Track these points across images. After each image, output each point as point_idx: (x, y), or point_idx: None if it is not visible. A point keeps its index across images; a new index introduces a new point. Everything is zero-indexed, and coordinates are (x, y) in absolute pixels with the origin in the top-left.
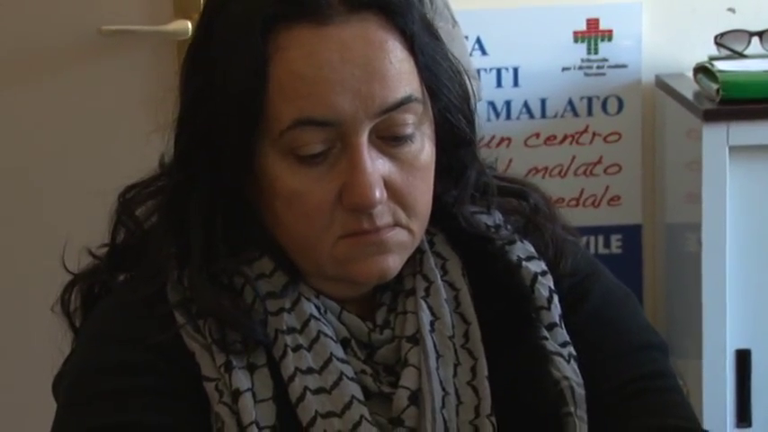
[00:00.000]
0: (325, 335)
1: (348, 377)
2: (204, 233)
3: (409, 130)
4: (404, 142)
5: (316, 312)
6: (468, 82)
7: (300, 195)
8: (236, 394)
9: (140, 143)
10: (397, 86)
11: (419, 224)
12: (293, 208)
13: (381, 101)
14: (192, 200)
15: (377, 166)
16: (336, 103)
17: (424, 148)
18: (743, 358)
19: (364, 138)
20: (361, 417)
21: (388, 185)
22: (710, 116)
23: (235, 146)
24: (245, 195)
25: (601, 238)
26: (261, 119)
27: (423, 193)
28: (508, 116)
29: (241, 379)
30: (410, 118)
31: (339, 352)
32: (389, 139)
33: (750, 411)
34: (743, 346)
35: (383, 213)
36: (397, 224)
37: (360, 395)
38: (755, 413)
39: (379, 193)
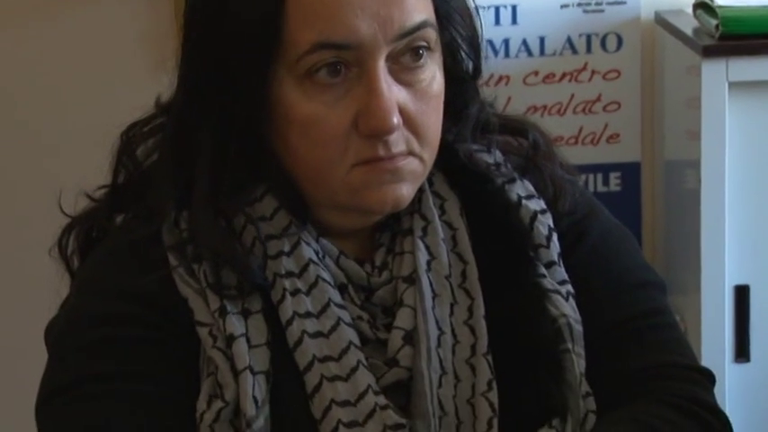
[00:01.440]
0: (324, 280)
1: (345, 322)
2: (211, 167)
3: (423, 57)
4: (418, 69)
5: (314, 257)
6: (478, 19)
7: (316, 122)
8: (230, 339)
9: (138, 83)
10: (414, 11)
11: (430, 153)
12: (308, 135)
13: (399, 24)
14: (201, 132)
15: (393, 92)
16: (356, 26)
17: (435, 77)
18: (741, 294)
19: (382, 62)
20: (358, 362)
21: (403, 113)
22: (710, 52)
23: (250, 73)
24: (257, 126)
25: (600, 176)
26: (278, 44)
27: (435, 122)
28: (506, 54)
29: (235, 324)
30: (425, 44)
31: (337, 297)
32: (404, 66)
33: (748, 347)
34: (741, 282)
35: (398, 141)
36: (410, 153)
37: (356, 341)
38: (754, 348)
39: (396, 118)
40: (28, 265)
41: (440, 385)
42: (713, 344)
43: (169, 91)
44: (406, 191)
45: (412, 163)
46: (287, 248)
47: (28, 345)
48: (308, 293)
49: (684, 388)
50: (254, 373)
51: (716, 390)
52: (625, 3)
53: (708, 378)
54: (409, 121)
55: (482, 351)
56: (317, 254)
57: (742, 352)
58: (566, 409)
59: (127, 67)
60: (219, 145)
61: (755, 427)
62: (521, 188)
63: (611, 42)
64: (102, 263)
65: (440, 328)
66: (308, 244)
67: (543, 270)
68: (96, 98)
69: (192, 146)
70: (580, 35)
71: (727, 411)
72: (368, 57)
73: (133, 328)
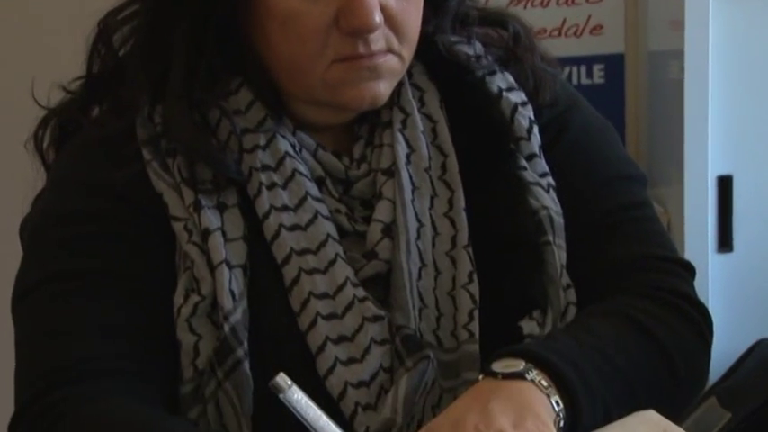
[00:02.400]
0: (301, 173)
1: (323, 215)
2: (186, 59)
3: None
4: None
5: (291, 150)
6: None
7: (296, 17)
8: (206, 233)
9: None
10: None
11: (409, 51)
12: (288, 30)
13: None
14: (177, 23)
15: None
16: None
17: None
18: (725, 184)
19: None
20: (336, 255)
21: (384, 11)
22: None
23: None
24: (235, 18)
25: (583, 69)
26: None
27: (415, 19)
28: None
29: (210, 218)
30: None
31: (314, 191)
32: None
33: (731, 237)
34: (725, 172)
35: (378, 38)
36: (390, 50)
37: (335, 234)
38: (737, 238)
39: (378, 17)
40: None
41: (419, 277)
42: (696, 234)
43: None
44: (384, 88)
45: (391, 60)
46: (262, 142)
47: None
48: (284, 187)
49: (665, 280)
50: (230, 267)
51: (699, 280)
52: None
53: (688, 270)
54: (390, 19)
55: (462, 243)
56: (293, 147)
57: (725, 242)
58: (546, 301)
59: None
60: (195, 37)
61: (738, 315)
62: (501, 80)
63: None
64: (75, 158)
65: (419, 221)
66: (284, 137)
67: (524, 162)
68: None
69: (167, 37)
70: None
71: (710, 302)
72: None
73: (106, 224)
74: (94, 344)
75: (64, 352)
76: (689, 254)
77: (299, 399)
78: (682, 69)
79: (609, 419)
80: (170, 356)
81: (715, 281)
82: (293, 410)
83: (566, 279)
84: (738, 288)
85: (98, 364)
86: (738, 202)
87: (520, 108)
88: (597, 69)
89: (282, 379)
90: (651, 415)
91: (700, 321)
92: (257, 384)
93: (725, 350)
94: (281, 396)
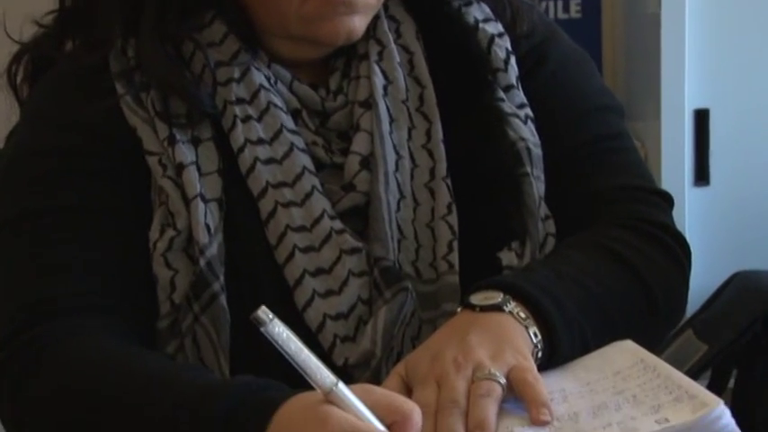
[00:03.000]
0: (276, 105)
1: (299, 148)
2: None
3: None
4: None
5: (266, 83)
6: None
7: None
8: (180, 167)
9: None
10: None
11: None
12: None
13: None
14: None
15: None
16: None
17: None
18: (701, 118)
19: None
20: (313, 187)
21: None
22: None
23: None
24: None
25: (560, 3)
26: None
27: None
28: None
29: (185, 152)
30: None
31: (290, 123)
32: None
33: (708, 170)
34: (701, 105)
35: None
36: None
37: (311, 166)
38: (713, 172)
39: None
40: None
41: (398, 209)
42: (673, 168)
43: None
44: (359, 23)
45: None
46: (237, 75)
47: None
48: (259, 120)
49: (643, 210)
50: (205, 201)
51: (676, 213)
52: None
53: (666, 200)
54: None
55: (441, 175)
56: (268, 80)
57: (702, 176)
58: (525, 233)
59: None
60: None
61: (714, 248)
62: (478, 11)
63: None
64: (48, 93)
65: (397, 153)
66: (258, 70)
67: (501, 94)
68: None
69: None
70: None
71: (687, 235)
72: None
73: (80, 160)
74: (72, 280)
75: (42, 287)
76: (665, 187)
77: (280, 332)
78: (658, 3)
79: (587, 350)
80: (147, 292)
81: (692, 214)
82: (275, 344)
83: (544, 210)
84: (715, 221)
85: (77, 301)
86: (715, 136)
87: (497, 39)
88: (574, 4)
89: (264, 312)
90: (629, 345)
91: (678, 251)
92: (234, 318)
93: (702, 284)
94: (262, 329)
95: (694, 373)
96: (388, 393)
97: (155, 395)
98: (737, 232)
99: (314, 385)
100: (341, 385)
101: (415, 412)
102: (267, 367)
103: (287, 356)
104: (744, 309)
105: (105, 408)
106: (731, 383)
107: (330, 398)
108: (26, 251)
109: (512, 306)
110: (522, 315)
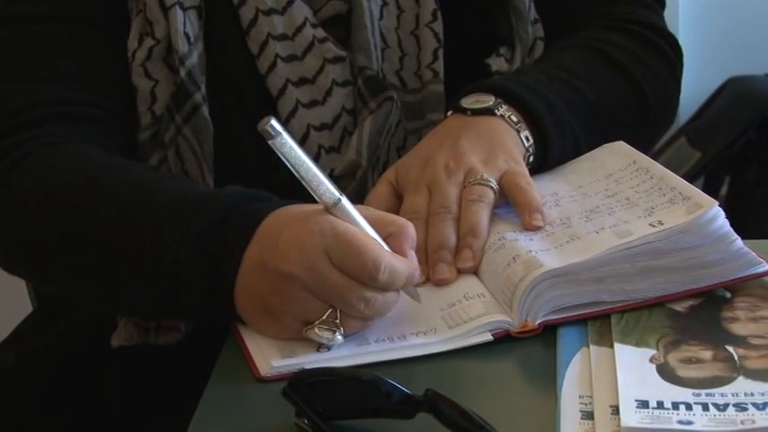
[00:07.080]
0: None
1: None
2: None
3: None
4: None
5: None
6: None
7: None
8: None
9: None
10: None
11: None
12: None
13: None
14: None
15: None
16: None
17: None
18: None
19: None
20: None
21: None
22: None
23: None
24: None
25: None
26: None
27: None
28: None
29: None
30: None
31: None
32: None
33: None
34: None
35: None
36: None
37: None
38: None
39: None
40: None
41: (381, 17)
42: None
43: None
44: None
45: None
46: None
47: None
48: None
49: (633, 12)
50: (184, 9)
51: (668, 15)
52: None
53: (658, 1)
54: None
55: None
56: None
57: None
58: (513, 37)
59: None
60: None
61: (708, 53)
62: None
63: None
64: None
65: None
66: None
67: None
68: None
69: None
70: None
71: (680, 38)
72: None
73: None
74: (52, 87)
75: (22, 93)
76: None
77: (287, 145)
78: None
79: (578, 152)
80: (127, 103)
81: (685, 18)
82: (281, 157)
83: (533, 14)
84: (709, 24)
85: (59, 108)
86: None
87: None
88: None
89: (271, 126)
90: (621, 146)
91: (669, 53)
92: (217, 129)
93: (695, 89)
94: (270, 142)
95: (687, 181)
96: (383, 212)
97: (139, 205)
98: (732, 36)
99: (318, 199)
100: (344, 200)
101: (410, 225)
102: (251, 178)
103: (293, 170)
104: (737, 115)
105: (90, 215)
106: (723, 190)
107: (333, 212)
108: (5, 58)
109: (503, 109)
110: (514, 119)
